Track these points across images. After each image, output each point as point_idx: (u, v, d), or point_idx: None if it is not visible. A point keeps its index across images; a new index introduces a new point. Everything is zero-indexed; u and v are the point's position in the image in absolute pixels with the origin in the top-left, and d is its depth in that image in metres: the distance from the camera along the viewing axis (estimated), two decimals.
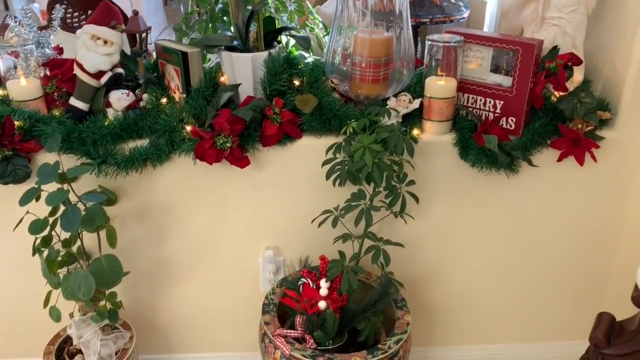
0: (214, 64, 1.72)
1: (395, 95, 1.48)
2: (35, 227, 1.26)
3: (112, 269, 1.34)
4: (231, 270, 1.61)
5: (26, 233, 1.34)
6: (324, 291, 1.35)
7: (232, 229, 1.56)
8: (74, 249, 1.42)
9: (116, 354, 1.46)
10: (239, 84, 1.45)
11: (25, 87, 1.42)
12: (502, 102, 1.45)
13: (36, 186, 1.24)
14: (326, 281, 1.36)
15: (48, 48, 1.51)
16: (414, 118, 1.48)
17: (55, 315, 1.40)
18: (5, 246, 1.53)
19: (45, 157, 1.40)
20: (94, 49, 1.39)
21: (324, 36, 2.11)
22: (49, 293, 1.42)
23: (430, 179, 1.50)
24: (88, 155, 1.38)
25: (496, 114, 1.46)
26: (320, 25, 2.23)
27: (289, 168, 1.48)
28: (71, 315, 1.45)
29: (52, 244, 1.34)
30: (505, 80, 1.45)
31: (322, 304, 1.33)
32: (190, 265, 1.60)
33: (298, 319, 1.35)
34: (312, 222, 1.46)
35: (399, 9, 1.41)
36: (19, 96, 1.42)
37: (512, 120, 1.45)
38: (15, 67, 1.46)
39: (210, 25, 1.99)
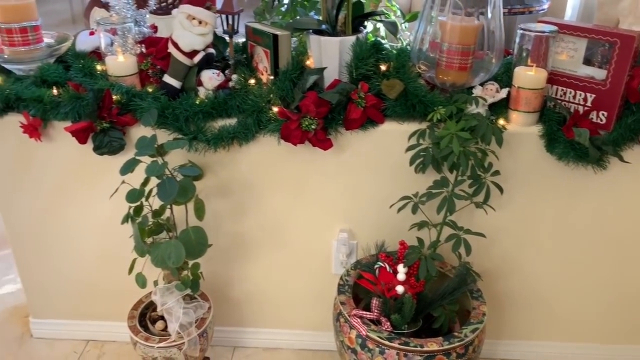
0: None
1: (482, 84, 1.47)
2: (132, 196, 1.33)
3: (198, 240, 1.39)
4: (305, 249, 1.65)
5: (114, 202, 1.43)
6: (401, 276, 1.36)
7: (308, 210, 1.59)
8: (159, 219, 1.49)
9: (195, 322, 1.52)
10: (325, 68, 1.47)
11: (122, 63, 1.49)
12: (593, 96, 1.41)
13: (135, 157, 1.30)
14: (404, 266, 1.37)
15: (144, 26, 1.57)
16: (500, 108, 1.46)
17: (141, 281, 1.47)
18: (95, 213, 1.62)
19: (139, 131, 1.47)
20: (189, 29, 1.44)
21: (402, 23, 2.10)
22: (134, 260, 1.49)
23: (513, 170, 1.48)
24: (180, 131, 1.44)
25: (586, 107, 1.42)
26: (398, 12, 2.22)
27: (369, 152, 1.50)
28: (155, 282, 1.52)
29: (145, 213, 1.41)
30: (598, 73, 1.40)
31: (399, 289, 1.34)
32: (266, 242, 1.65)
33: (374, 301, 1.37)
34: (391, 207, 1.47)
35: None
36: (116, 72, 1.49)
37: (603, 114, 1.41)
38: (112, 44, 1.53)
39: (290, 9, 2.03)
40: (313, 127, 1.40)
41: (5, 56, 1.53)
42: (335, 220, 1.60)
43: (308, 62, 1.52)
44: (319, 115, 1.40)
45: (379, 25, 2.15)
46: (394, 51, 1.52)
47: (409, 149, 1.37)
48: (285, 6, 2.09)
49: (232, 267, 1.69)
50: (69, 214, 1.64)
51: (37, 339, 1.84)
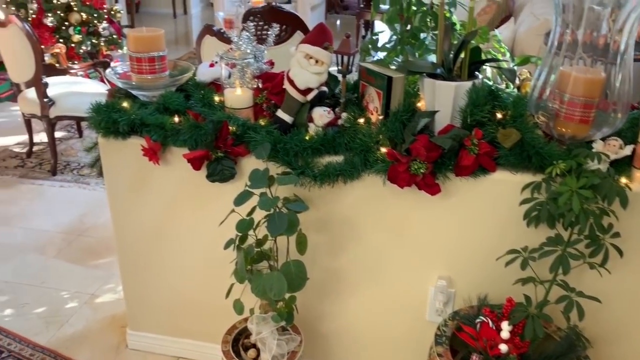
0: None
1: (604, 139, 1.39)
2: (242, 226, 1.37)
3: (298, 274, 1.41)
4: (399, 292, 1.62)
5: (218, 226, 1.48)
6: (505, 334, 1.30)
7: (407, 252, 1.57)
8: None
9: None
10: (437, 111, 1.46)
11: (240, 96, 1.56)
12: None
13: (249, 189, 1.34)
14: (509, 324, 1.31)
15: (262, 62, 1.63)
16: (622, 165, 1.38)
17: (239, 308, 1.50)
18: (200, 236, 1.69)
19: (249, 161, 1.52)
20: (306, 67, 1.48)
21: (514, 66, 2.04)
22: (232, 285, 1.53)
23: (632, 232, 1.38)
24: (289, 165, 1.47)
25: None
26: (507, 55, 2.17)
27: (477, 200, 1.46)
28: (252, 311, 1.55)
29: (249, 243, 1.45)
30: None
31: (503, 347, 1.28)
32: (361, 280, 1.64)
33: (474, 357, 1.32)
34: (498, 260, 1.42)
35: (622, 48, 1.33)
36: (233, 104, 1.55)
37: None
38: (230, 76, 1.60)
39: (398, 47, 2.03)
40: (422, 171, 1.38)
41: (133, 83, 1.65)
42: (435, 266, 1.57)
43: (419, 105, 1.52)
44: (429, 159, 1.38)
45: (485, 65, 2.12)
46: (504, 94, 1.48)
47: (524, 202, 1.32)
48: (392, 43, 2.11)
49: (324, 301, 1.69)
50: (175, 234, 1.71)
51: (132, 350, 1.92)
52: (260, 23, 2.73)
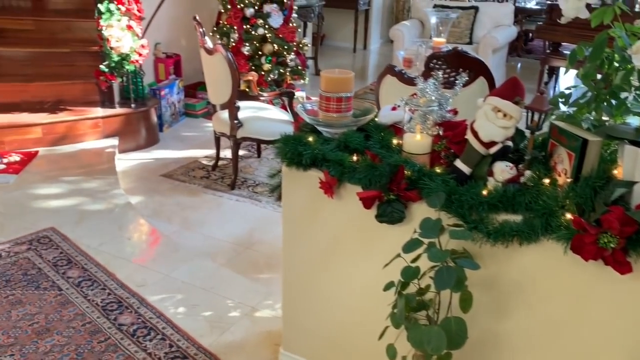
0: None
1: None
2: (407, 273, 1.37)
3: (458, 332, 1.36)
4: None
5: (380, 266, 1.50)
6: None
7: (583, 331, 1.43)
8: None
9: None
10: (637, 182, 1.32)
11: (418, 142, 1.57)
12: None
13: (419, 238, 1.34)
14: None
15: (445, 109, 1.63)
16: None
17: (392, 354, 1.49)
18: (362, 272, 1.72)
19: (419, 208, 1.52)
20: (492, 120, 1.44)
21: None
22: (386, 328, 1.52)
23: None
24: (462, 217, 1.44)
25: None
26: None
27: None
28: (404, 358, 1.53)
29: (411, 291, 1.44)
30: None
31: None
32: (525, 351, 1.52)
33: None
34: None
35: None
36: (411, 149, 1.57)
37: None
38: (410, 121, 1.62)
39: (593, 103, 1.88)
40: (612, 245, 1.26)
41: (320, 119, 1.75)
42: (615, 353, 1.40)
43: (615, 172, 1.39)
44: (622, 234, 1.25)
45: None
46: None
47: None
48: (586, 99, 1.96)
49: None
50: (338, 266, 1.76)
51: None
52: (444, 67, 2.73)
